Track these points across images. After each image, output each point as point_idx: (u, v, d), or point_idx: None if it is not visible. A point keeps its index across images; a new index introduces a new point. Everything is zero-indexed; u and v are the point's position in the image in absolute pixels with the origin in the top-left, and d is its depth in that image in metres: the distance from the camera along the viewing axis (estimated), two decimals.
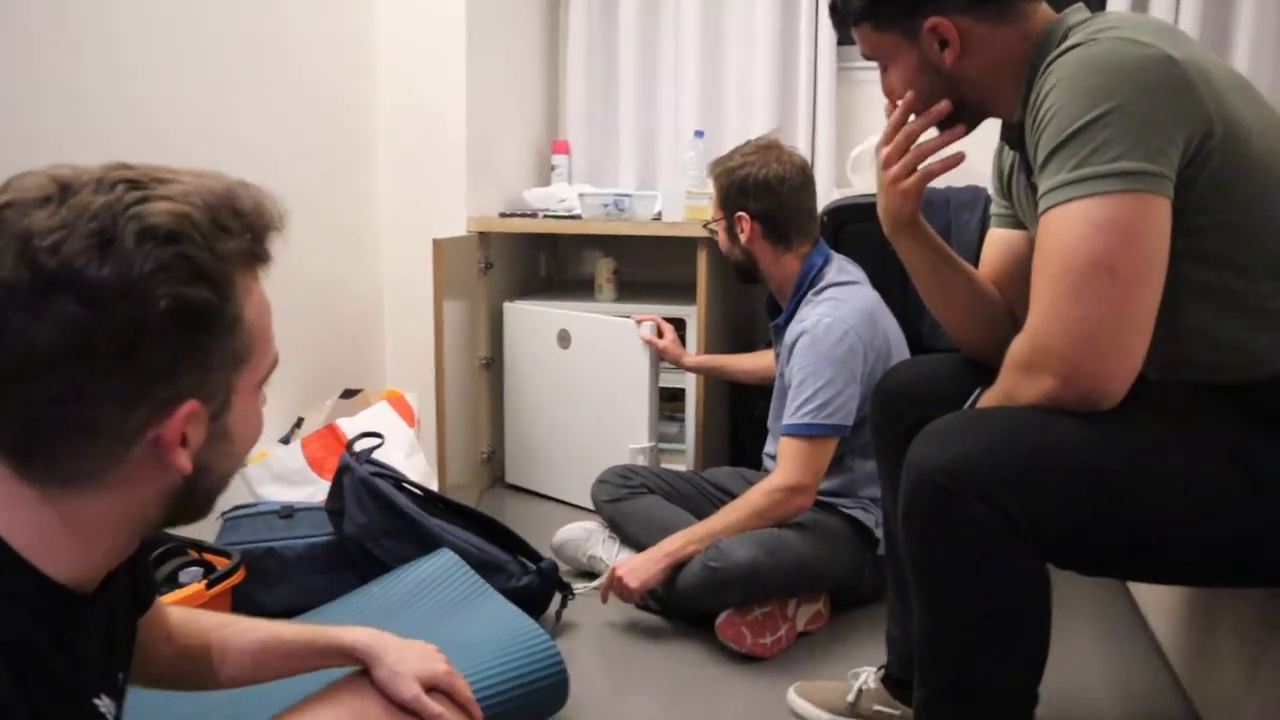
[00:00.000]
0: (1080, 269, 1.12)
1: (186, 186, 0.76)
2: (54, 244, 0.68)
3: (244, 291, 0.79)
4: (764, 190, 2.20)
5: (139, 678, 1.05)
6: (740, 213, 2.23)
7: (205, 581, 1.77)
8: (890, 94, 1.40)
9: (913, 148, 1.38)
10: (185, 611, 1.11)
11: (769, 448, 2.36)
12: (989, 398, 1.26)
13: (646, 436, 2.73)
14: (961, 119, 1.36)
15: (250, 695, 1.14)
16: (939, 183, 2.47)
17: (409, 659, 1.07)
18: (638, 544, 2.25)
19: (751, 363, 2.63)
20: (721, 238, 2.34)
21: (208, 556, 1.90)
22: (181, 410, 0.75)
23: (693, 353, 2.79)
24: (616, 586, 2.06)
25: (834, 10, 1.40)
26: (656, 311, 2.78)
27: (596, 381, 2.82)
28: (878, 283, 2.29)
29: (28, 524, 0.74)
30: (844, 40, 3.09)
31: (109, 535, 0.79)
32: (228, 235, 0.76)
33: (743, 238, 2.25)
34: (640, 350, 2.70)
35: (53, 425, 0.72)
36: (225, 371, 0.79)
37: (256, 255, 0.81)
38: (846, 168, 2.89)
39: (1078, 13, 1.28)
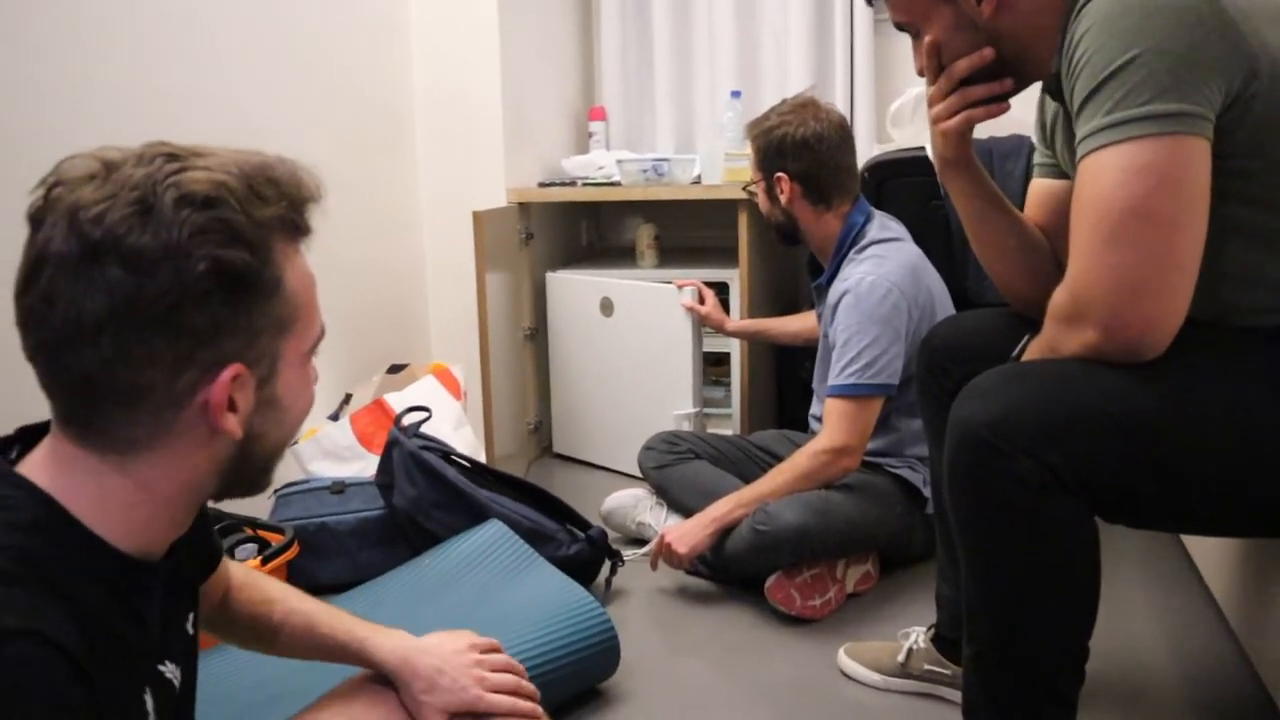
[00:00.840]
0: (1117, 215, 1.09)
1: (223, 159, 0.79)
2: (98, 214, 0.72)
3: (284, 258, 0.81)
4: (802, 149, 2.17)
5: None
6: (779, 173, 2.21)
7: (260, 558, 1.81)
8: (921, 70, 1.38)
9: (958, 91, 1.35)
10: (244, 574, 1.13)
11: (815, 409, 2.35)
12: (1033, 350, 1.25)
13: (691, 402, 2.73)
14: (1001, 78, 1.34)
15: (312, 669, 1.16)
16: (982, 133, 2.43)
17: (439, 688, 1.08)
18: (685, 509, 2.25)
19: (795, 325, 2.62)
20: (761, 200, 2.31)
21: (262, 533, 1.94)
22: (227, 373, 0.77)
23: (736, 317, 2.77)
24: (665, 553, 2.07)
25: None
26: (699, 276, 2.77)
27: (640, 349, 2.81)
28: (920, 238, 2.26)
29: (91, 493, 0.77)
30: None
31: (167, 504, 0.81)
32: (264, 202, 0.79)
33: (783, 199, 2.22)
34: (682, 316, 2.69)
35: (104, 389, 0.75)
36: (270, 336, 0.81)
37: (295, 224, 0.83)
38: (886, 122, 2.84)
39: None
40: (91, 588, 0.75)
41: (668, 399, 2.76)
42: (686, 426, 2.67)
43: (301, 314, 0.84)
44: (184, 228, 0.73)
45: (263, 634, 1.11)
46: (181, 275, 0.73)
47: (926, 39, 1.34)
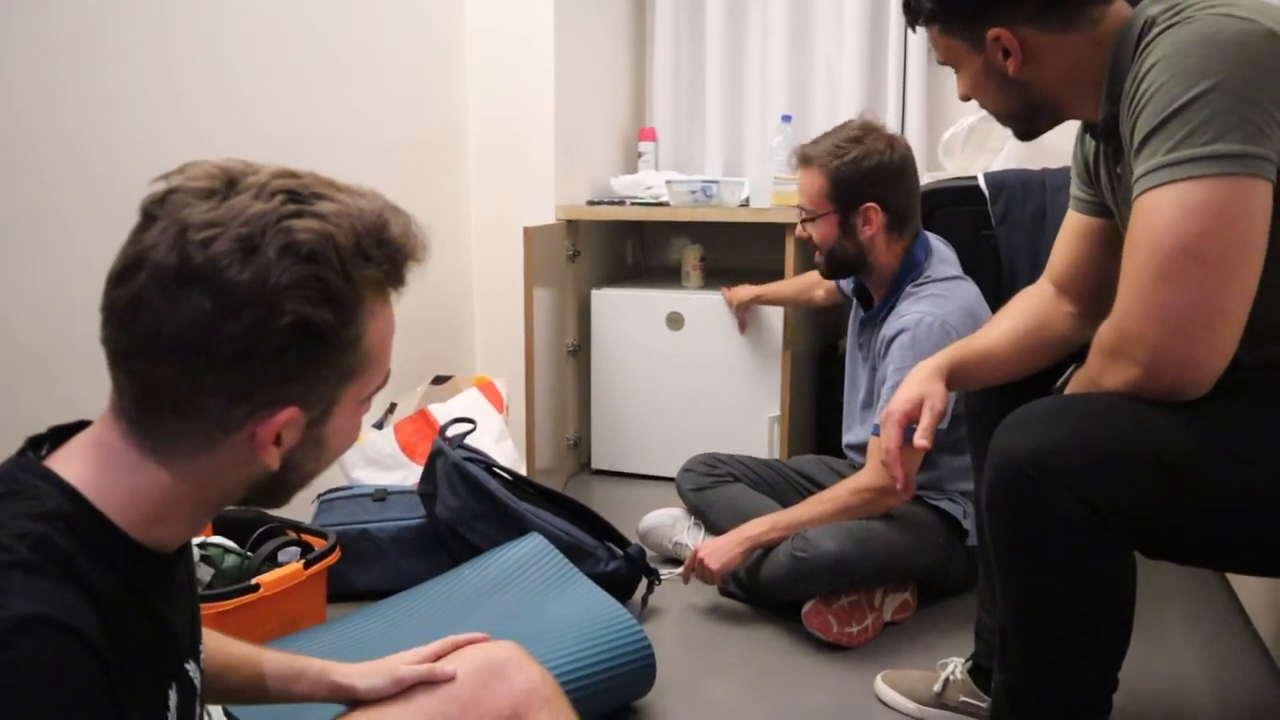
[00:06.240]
0: (1167, 254, 1.08)
1: (339, 206, 0.78)
2: (205, 239, 0.73)
3: (369, 315, 0.81)
4: (898, 179, 2.09)
5: None
6: (870, 203, 2.10)
7: (303, 561, 1.83)
8: (965, 97, 1.39)
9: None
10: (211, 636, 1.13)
11: (847, 438, 2.33)
12: (1077, 383, 1.24)
13: (778, 405, 2.87)
14: (1035, 122, 1.36)
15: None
16: (1035, 164, 2.41)
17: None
18: (722, 532, 2.24)
19: (790, 289, 2.71)
20: (826, 231, 2.16)
21: (305, 537, 1.97)
22: (282, 415, 0.78)
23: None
24: (697, 568, 2.07)
25: (906, 8, 1.40)
26: None
27: (713, 361, 2.94)
28: (971, 267, 2.23)
29: (124, 485, 0.78)
30: None
31: (193, 506, 0.82)
32: (367, 262, 0.79)
33: (867, 230, 2.12)
34: (770, 323, 2.87)
35: (163, 402, 0.76)
36: (334, 385, 0.82)
37: (391, 281, 0.83)
38: (938, 150, 2.84)
39: (1157, 2, 1.21)
40: (109, 578, 0.76)
41: (761, 403, 2.89)
42: (777, 430, 2.82)
43: (371, 363, 0.84)
44: (281, 277, 0.74)
45: (252, 684, 1.10)
46: (265, 322, 0.74)
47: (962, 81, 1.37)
